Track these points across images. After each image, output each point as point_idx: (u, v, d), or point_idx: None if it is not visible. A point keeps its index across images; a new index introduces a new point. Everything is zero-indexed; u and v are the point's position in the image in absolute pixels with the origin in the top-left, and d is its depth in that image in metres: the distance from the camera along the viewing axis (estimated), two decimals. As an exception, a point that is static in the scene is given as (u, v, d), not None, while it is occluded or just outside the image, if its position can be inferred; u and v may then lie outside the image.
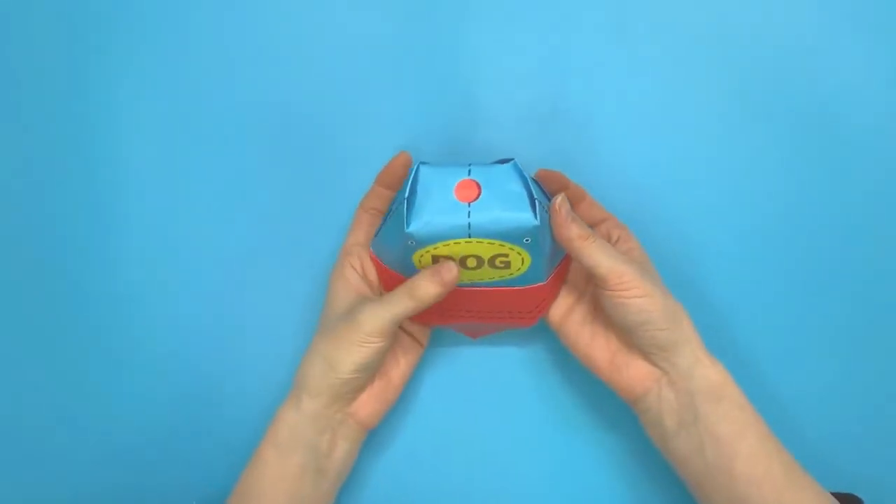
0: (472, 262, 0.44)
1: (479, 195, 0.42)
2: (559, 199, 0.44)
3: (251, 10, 0.54)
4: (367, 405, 0.47)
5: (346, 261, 0.49)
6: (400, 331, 0.49)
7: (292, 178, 0.54)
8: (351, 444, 0.47)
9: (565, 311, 0.49)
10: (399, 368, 0.49)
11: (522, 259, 0.43)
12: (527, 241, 0.42)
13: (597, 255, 0.43)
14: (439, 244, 0.42)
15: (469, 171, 0.42)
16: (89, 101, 0.54)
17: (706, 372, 0.44)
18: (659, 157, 0.53)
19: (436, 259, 0.44)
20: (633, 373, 0.45)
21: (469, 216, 0.41)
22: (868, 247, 0.52)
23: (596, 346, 0.47)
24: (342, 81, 0.54)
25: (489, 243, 0.42)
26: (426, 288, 0.44)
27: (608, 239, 0.48)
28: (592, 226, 0.49)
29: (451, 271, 0.43)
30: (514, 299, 0.46)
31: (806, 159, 0.53)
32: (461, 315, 0.48)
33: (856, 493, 0.45)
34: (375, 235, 0.48)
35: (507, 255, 0.43)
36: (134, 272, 0.54)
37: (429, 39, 0.54)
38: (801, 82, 0.53)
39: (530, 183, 0.42)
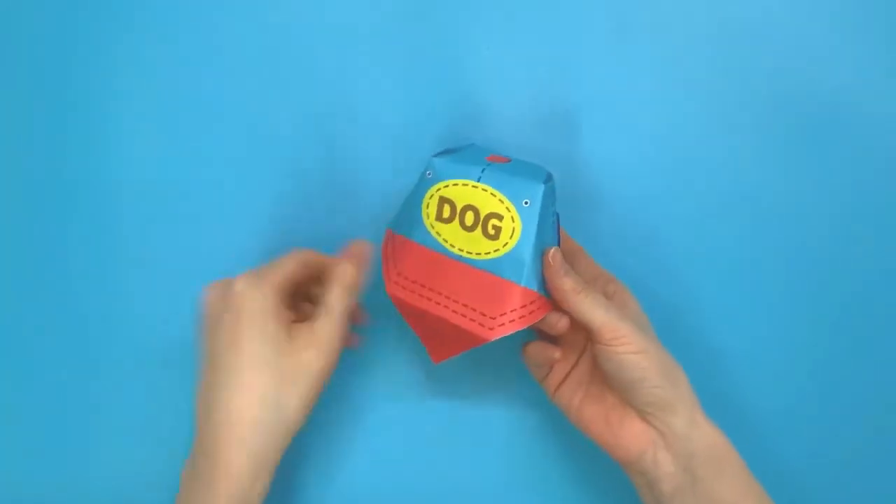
0: (469, 219, 0.45)
1: (505, 162, 0.47)
2: (552, 251, 0.44)
3: (251, 10, 0.54)
4: None
5: (267, 291, 0.44)
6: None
7: (291, 178, 0.54)
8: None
9: (562, 376, 0.48)
10: None
11: (513, 230, 0.44)
12: (525, 203, 0.44)
13: (591, 309, 0.43)
14: (449, 182, 0.46)
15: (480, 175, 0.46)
16: (89, 100, 0.54)
17: (704, 434, 0.43)
18: (659, 157, 0.53)
19: (443, 202, 0.45)
20: (628, 433, 0.44)
21: (486, 167, 0.46)
22: (869, 253, 0.52)
23: (591, 405, 0.46)
24: (342, 82, 0.54)
25: (492, 194, 0.45)
26: (344, 268, 0.45)
27: (604, 294, 0.48)
28: (588, 280, 0.49)
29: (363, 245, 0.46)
30: (487, 291, 0.46)
31: (807, 160, 0.53)
32: (433, 296, 0.47)
33: None
34: (396, 215, 0.49)
35: (501, 218, 0.44)
36: (133, 272, 0.54)
37: (428, 40, 0.54)
38: (801, 83, 0.53)
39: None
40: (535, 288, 0.44)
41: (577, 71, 0.53)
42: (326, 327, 0.44)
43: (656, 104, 0.53)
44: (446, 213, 0.46)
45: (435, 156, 0.47)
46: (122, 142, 0.54)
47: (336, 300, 0.44)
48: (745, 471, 0.43)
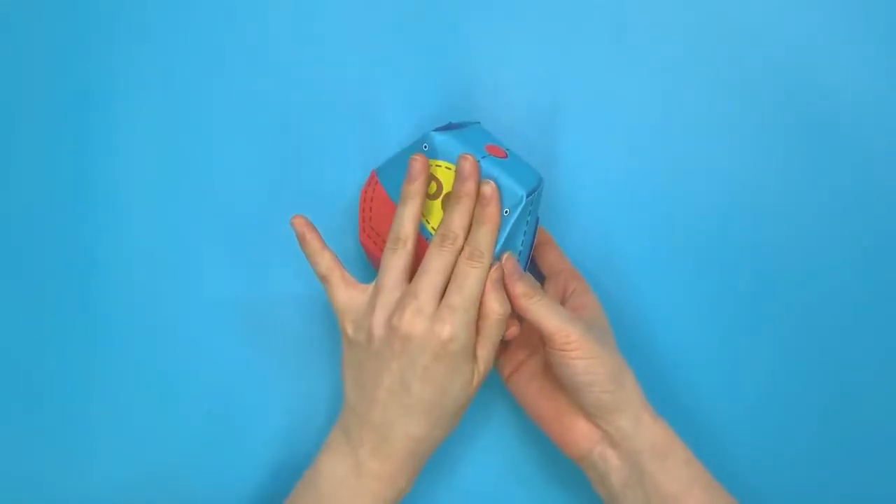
0: (431, 188, 0.46)
1: (502, 157, 0.46)
2: (506, 256, 0.44)
3: (251, 8, 0.54)
4: None
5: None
6: None
7: (290, 177, 0.54)
8: None
9: (516, 364, 0.49)
10: None
11: None
12: (506, 212, 0.44)
13: (542, 314, 0.43)
14: (442, 163, 0.45)
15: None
16: (88, 100, 0.54)
17: (649, 432, 0.44)
18: (659, 157, 0.53)
19: (430, 179, 0.45)
20: (577, 431, 0.45)
21: (481, 159, 0.45)
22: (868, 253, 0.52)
23: (542, 401, 0.47)
24: (341, 81, 0.53)
25: None
26: (498, 301, 0.44)
27: (564, 290, 0.49)
28: (551, 274, 0.50)
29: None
30: None
31: (808, 161, 0.53)
32: None
33: None
34: (387, 162, 0.48)
35: None
36: (134, 271, 0.53)
37: (428, 40, 0.53)
38: (800, 83, 0.53)
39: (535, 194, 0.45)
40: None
41: (577, 72, 0.53)
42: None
43: (656, 105, 0.53)
44: (432, 189, 0.46)
45: (436, 130, 0.46)
46: (122, 143, 0.54)
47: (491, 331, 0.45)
48: (692, 461, 0.44)
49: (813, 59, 0.53)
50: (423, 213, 0.46)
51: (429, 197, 0.46)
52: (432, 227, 0.46)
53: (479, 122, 0.51)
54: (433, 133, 0.46)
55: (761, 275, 0.52)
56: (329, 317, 0.51)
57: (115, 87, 0.54)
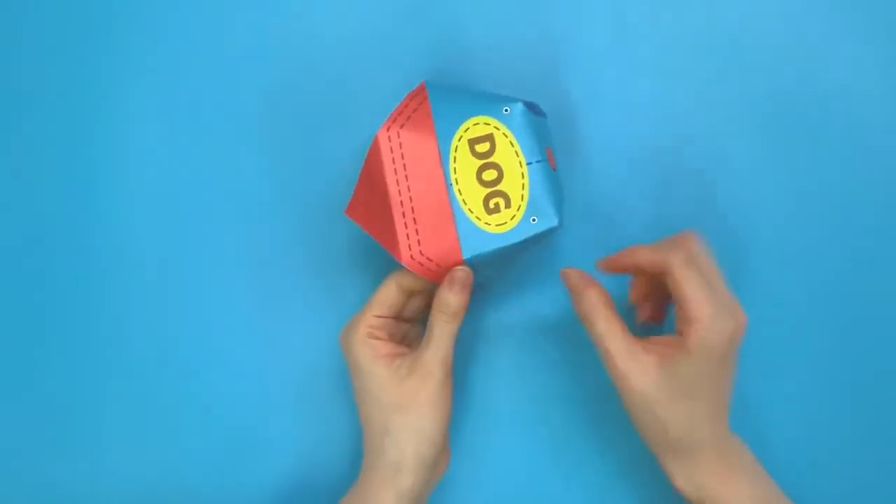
0: (488, 176, 0.45)
1: (553, 169, 0.46)
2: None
3: (251, 6, 0.55)
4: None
5: (369, 332, 0.46)
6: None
7: (289, 176, 0.54)
8: None
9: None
10: None
11: (504, 223, 0.44)
12: (533, 220, 0.44)
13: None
14: (509, 135, 0.44)
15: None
16: (88, 99, 0.55)
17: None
18: (658, 157, 0.53)
19: (487, 139, 0.44)
20: None
21: (540, 160, 0.45)
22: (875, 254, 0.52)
23: None
24: (341, 81, 0.54)
25: (522, 185, 0.44)
26: (448, 298, 0.44)
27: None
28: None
29: (463, 272, 0.44)
30: (440, 233, 0.45)
31: (808, 162, 0.53)
32: (403, 188, 0.45)
33: None
34: (444, 84, 0.47)
35: (507, 206, 0.44)
36: (136, 273, 0.54)
37: (428, 39, 0.54)
38: (802, 83, 0.53)
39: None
40: (465, 256, 0.44)
41: (577, 72, 0.53)
42: (427, 355, 0.44)
43: (656, 105, 0.53)
44: (481, 148, 0.45)
45: (526, 104, 0.45)
46: (123, 143, 0.55)
47: (438, 329, 0.45)
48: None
49: (818, 55, 0.53)
50: (458, 158, 0.45)
51: (472, 151, 0.45)
52: (453, 171, 0.45)
53: (548, 120, 0.49)
54: (520, 103, 0.45)
55: (761, 275, 0.52)
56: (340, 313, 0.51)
57: (122, 87, 0.55)
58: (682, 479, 0.42)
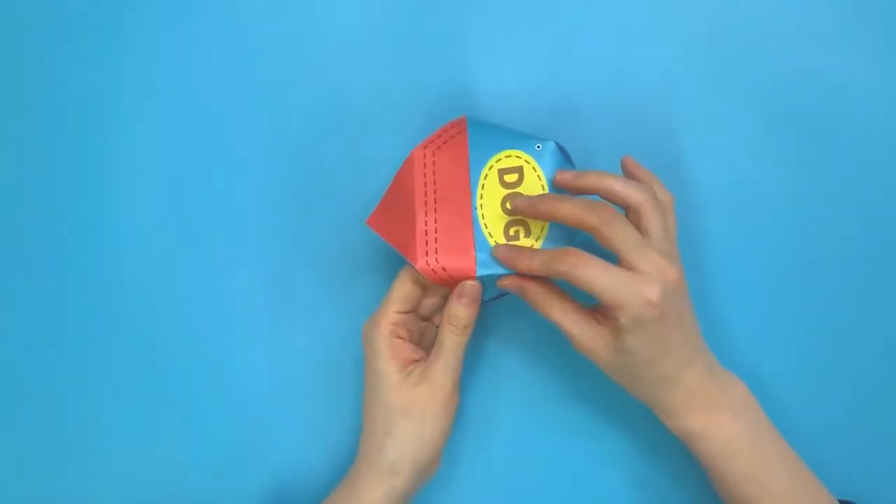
0: (511, 176, 0.47)
1: None
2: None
3: (251, 11, 0.55)
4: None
5: (391, 329, 0.47)
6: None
7: (290, 178, 0.54)
8: None
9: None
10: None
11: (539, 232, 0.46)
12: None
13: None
14: (539, 171, 0.47)
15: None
16: (89, 102, 0.55)
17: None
18: (658, 158, 0.53)
19: (517, 171, 0.47)
20: None
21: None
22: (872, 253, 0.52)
23: None
24: (341, 82, 0.54)
25: (542, 225, 0.46)
26: (457, 310, 0.45)
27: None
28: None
29: (473, 286, 0.46)
30: (458, 243, 0.46)
31: (808, 162, 0.53)
32: (429, 198, 0.47)
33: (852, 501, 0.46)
34: (482, 121, 0.49)
35: (526, 234, 0.46)
36: (135, 276, 0.54)
37: (427, 39, 0.54)
38: (802, 84, 0.53)
39: None
40: (478, 274, 0.46)
41: (577, 72, 0.54)
42: (438, 365, 0.46)
43: (656, 105, 0.53)
44: (510, 178, 0.47)
45: (558, 145, 0.47)
46: (123, 143, 0.55)
47: (448, 341, 0.46)
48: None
49: (817, 55, 0.53)
50: (486, 185, 0.47)
51: (502, 181, 0.46)
52: (483, 213, 0.46)
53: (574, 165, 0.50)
54: (552, 142, 0.47)
55: (760, 274, 0.53)
56: (349, 319, 0.52)
57: (123, 91, 0.55)
58: (670, 421, 0.45)
